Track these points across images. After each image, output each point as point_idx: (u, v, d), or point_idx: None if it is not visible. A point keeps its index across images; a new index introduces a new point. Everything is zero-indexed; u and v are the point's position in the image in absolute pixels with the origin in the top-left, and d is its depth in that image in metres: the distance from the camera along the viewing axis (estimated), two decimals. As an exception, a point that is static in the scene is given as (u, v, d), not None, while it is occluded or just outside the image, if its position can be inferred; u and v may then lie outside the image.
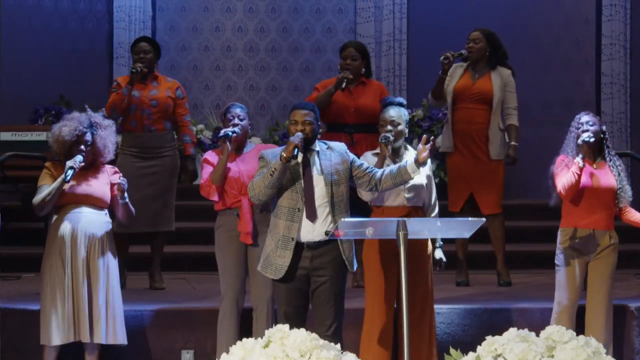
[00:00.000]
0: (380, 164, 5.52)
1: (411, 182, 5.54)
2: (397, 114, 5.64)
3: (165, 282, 7.26)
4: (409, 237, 4.83)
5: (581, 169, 5.68)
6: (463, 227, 5.25)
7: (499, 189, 7.23)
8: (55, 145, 5.86)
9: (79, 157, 5.74)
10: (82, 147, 5.80)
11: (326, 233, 5.20)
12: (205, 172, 5.87)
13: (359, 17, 11.10)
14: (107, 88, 9.56)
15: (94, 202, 5.83)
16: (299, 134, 5.20)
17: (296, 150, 5.11)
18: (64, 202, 5.80)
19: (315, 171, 5.26)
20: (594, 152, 5.84)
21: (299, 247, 5.22)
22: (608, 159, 5.86)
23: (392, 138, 5.55)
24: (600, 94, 10.25)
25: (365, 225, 5.04)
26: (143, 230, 7.12)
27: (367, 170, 5.33)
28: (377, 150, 5.64)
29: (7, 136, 8.61)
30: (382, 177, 5.28)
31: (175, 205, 7.35)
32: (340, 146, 5.41)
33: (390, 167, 5.34)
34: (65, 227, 5.77)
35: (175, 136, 7.38)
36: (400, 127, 5.63)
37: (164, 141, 7.17)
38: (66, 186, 5.75)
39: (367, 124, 6.93)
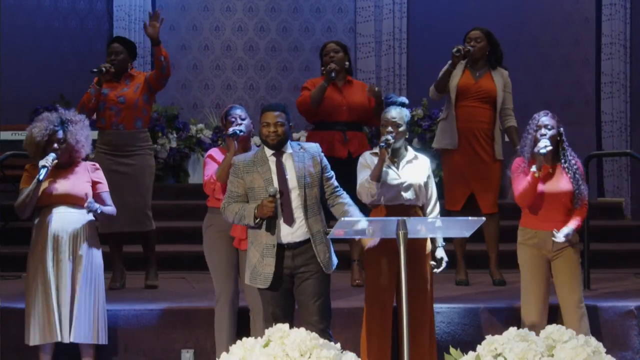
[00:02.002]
0: (379, 166, 5.51)
1: (408, 181, 5.56)
2: (399, 114, 5.64)
3: (164, 281, 7.26)
4: (409, 236, 4.82)
5: (537, 180, 5.70)
6: (463, 227, 5.24)
7: (496, 188, 7.25)
8: (29, 147, 5.85)
9: (52, 155, 5.72)
10: (56, 145, 5.78)
11: (326, 233, 5.20)
12: (209, 170, 5.86)
13: (358, 17, 11.11)
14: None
15: (74, 200, 5.80)
16: (274, 191, 5.15)
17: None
18: (45, 202, 5.79)
19: (289, 174, 5.26)
20: (551, 155, 5.82)
21: (280, 250, 5.23)
22: (563, 160, 5.84)
23: (392, 140, 5.55)
24: (600, 93, 10.26)
25: (366, 224, 5.03)
26: (122, 230, 7.11)
27: (331, 189, 5.35)
28: (376, 150, 5.63)
29: (7, 136, 8.62)
30: (332, 204, 5.35)
31: (175, 204, 7.36)
32: (314, 147, 5.40)
33: (343, 203, 5.32)
34: (47, 228, 5.76)
35: (149, 136, 7.35)
36: (401, 128, 5.62)
37: (134, 140, 7.15)
38: (45, 185, 5.74)
39: (358, 121, 7.02)
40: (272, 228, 5.19)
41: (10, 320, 6.10)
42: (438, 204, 5.76)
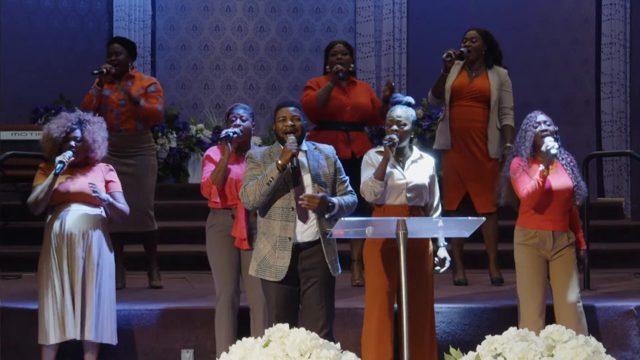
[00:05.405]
0: (384, 165, 5.49)
1: (413, 182, 5.54)
2: (405, 114, 5.62)
3: (164, 281, 7.26)
4: (409, 236, 4.82)
5: (545, 178, 5.70)
6: (463, 227, 5.24)
7: (493, 188, 7.24)
8: (47, 144, 5.88)
9: (69, 153, 5.75)
10: (72, 143, 5.80)
11: (326, 232, 5.19)
12: (207, 171, 5.85)
13: (358, 16, 11.11)
14: (107, 87, 9.58)
15: (87, 199, 5.81)
16: (293, 138, 5.17)
17: (294, 158, 5.10)
18: (58, 200, 5.80)
19: (304, 171, 5.25)
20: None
21: (295, 247, 5.21)
22: (561, 158, 5.86)
23: (397, 139, 5.52)
24: (600, 93, 10.26)
25: (365, 224, 5.03)
26: (125, 230, 7.11)
27: (342, 192, 5.34)
28: (381, 148, 5.62)
29: (7, 135, 8.60)
30: None
31: (175, 204, 7.36)
32: (329, 149, 5.39)
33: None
34: (59, 226, 5.77)
35: (152, 137, 7.34)
36: (406, 127, 5.60)
37: (136, 142, 7.14)
38: (59, 183, 5.76)
39: (362, 122, 7.04)
40: (296, 165, 5.15)
41: (10, 320, 6.10)
42: (440, 204, 5.75)
